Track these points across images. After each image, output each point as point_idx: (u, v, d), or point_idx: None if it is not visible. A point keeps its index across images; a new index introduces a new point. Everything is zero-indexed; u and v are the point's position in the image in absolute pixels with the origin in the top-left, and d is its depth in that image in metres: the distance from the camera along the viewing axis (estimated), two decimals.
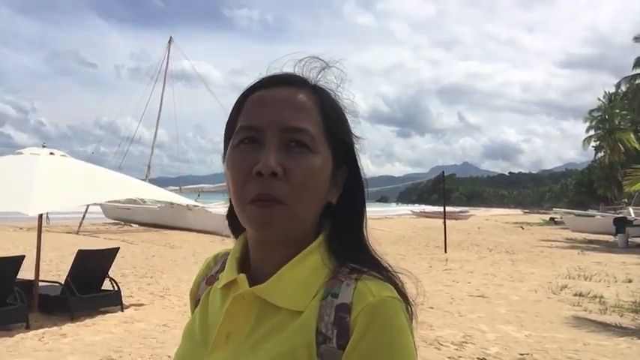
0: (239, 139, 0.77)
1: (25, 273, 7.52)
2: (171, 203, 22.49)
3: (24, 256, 6.78)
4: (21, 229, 21.05)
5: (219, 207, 25.27)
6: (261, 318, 0.76)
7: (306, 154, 0.75)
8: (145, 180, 24.35)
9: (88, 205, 21.89)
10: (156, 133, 34.40)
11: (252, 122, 0.77)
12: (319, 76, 0.84)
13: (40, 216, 7.52)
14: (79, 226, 22.42)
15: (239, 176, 0.75)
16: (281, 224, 0.74)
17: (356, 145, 0.85)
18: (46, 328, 6.38)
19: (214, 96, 36.33)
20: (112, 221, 27.88)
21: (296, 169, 0.74)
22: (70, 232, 21.26)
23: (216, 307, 0.83)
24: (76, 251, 7.58)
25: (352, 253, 0.79)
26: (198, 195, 29.52)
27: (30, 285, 7.17)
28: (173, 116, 35.65)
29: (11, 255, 7.38)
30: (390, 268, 0.81)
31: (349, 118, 0.86)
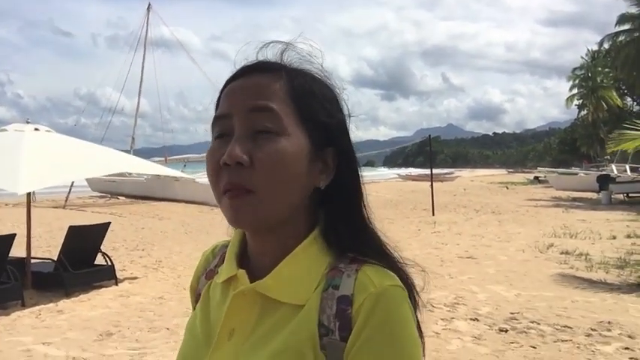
0: (214, 133, 0.78)
1: (16, 250, 7.49)
2: (158, 175, 22.42)
3: (15, 234, 6.75)
4: (7, 205, 20.86)
5: (205, 177, 25.23)
6: (264, 314, 0.76)
7: (273, 139, 0.73)
8: (129, 151, 24.20)
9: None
10: (138, 103, 33.94)
11: (221, 112, 0.77)
12: (288, 59, 0.82)
13: (29, 194, 7.46)
14: (66, 201, 22.27)
15: (211, 170, 0.76)
16: (252, 213, 0.73)
17: (348, 125, 0.83)
18: (42, 305, 6.41)
19: (196, 63, 35.87)
20: (99, 194, 27.71)
21: (262, 156, 0.72)
22: (57, 207, 21.13)
23: (217, 303, 0.83)
24: (67, 227, 7.57)
25: (351, 242, 0.78)
26: (184, 165, 29.38)
27: (22, 262, 7.16)
28: (154, 85, 35.09)
29: (0, 233, 7.34)
30: (392, 255, 0.80)
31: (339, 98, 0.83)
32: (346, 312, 0.70)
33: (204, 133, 0.81)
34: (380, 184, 41.51)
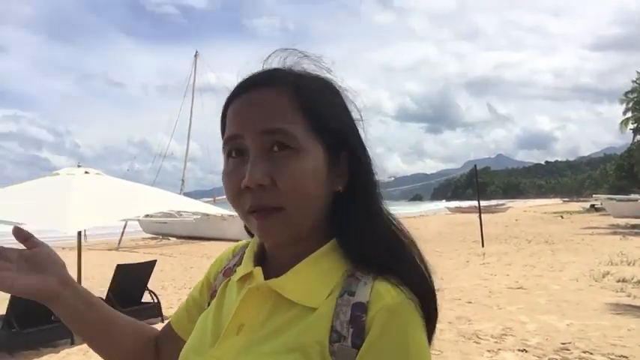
0: (226, 153, 0.78)
1: None
2: (207, 214, 22.84)
3: None
4: (63, 249, 21.61)
5: None
6: (275, 311, 0.76)
7: (292, 157, 0.73)
8: (179, 194, 24.81)
9: (126, 222, 22.39)
10: (187, 147, 34.99)
11: (231, 132, 0.76)
12: (291, 65, 0.81)
13: (79, 233, 7.74)
14: (119, 243, 22.92)
15: (230, 192, 0.76)
16: (284, 229, 0.74)
17: (359, 125, 0.82)
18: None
19: None
20: (151, 236, 28.43)
21: (284, 176, 0.72)
22: (110, 249, 21.76)
23: (231, 300, 0.84)
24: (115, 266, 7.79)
25: (368, 249, 0.76)
26: None
27: None
28: (203, 129, 36.16)
29: None
30: (411, 261, 0.77)
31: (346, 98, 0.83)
32: (360, 319, 0.69)
33: None
34: (428, 218, 40.96)
